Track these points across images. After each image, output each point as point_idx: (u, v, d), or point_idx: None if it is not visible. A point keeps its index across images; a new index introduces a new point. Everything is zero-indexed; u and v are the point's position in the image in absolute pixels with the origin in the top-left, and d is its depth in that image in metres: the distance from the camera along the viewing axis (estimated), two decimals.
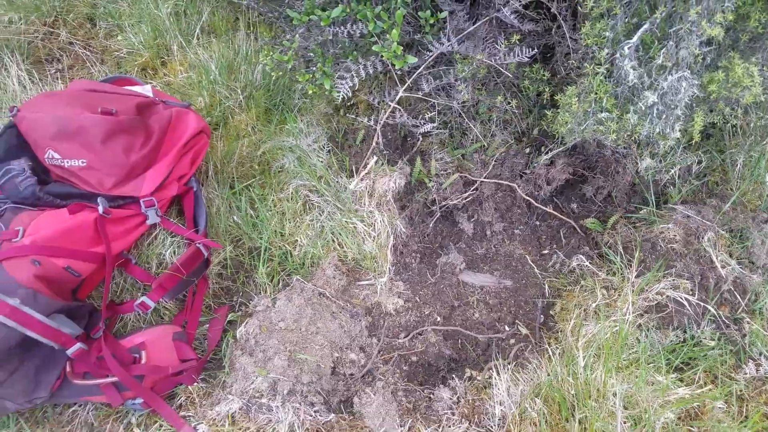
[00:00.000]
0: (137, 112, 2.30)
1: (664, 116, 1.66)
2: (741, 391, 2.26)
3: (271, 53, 2.49)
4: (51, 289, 1.96)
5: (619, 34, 1.68)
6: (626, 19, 1.67)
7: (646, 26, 1.58)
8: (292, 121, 2.97)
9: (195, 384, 2.18)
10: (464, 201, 3.09)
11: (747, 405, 2.24)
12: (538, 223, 3.26)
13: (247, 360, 2.18)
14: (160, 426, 2.12)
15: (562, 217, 3.10)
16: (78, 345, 2.00)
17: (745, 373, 2.30)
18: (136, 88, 2.56)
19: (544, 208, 3.12)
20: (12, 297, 1.84)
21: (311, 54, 2.58)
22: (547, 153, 3.03)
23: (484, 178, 3.04)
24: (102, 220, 2.15)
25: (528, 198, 3.10)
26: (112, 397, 2.05)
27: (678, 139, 2.54)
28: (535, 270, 2.97)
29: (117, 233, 2.22)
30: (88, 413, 2.16)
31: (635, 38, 1.60)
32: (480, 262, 3.02)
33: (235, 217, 2.63)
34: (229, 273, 2.56)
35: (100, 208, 2.16)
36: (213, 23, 3.47)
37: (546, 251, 3.11)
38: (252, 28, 3.41)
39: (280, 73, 2.70)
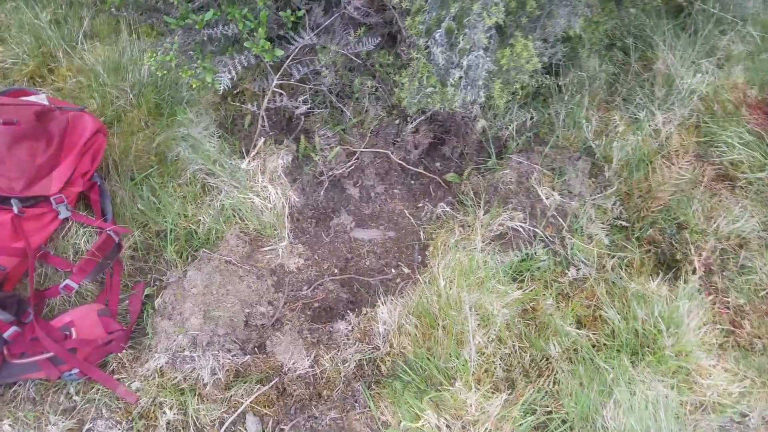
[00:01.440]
0: (36, 119, 2.58)
1: (470, 87, 2.21)
2: (565, 290, 2.94)
3: (155, 55, 2.81)
4: None
5: (432, 26, 2.20)
6: (435, 14, 2.19)
7: (446, 19, 2.10)
8: (181, 113, 3.31)
9: (124, 351, 2.54)
10: (348, 170, 3.58)
11: (570, 300, 2.93)
12: (412, 182, 3.81)
13: (167, 323, 2.57)
14: (97, 390, 2.47)
15: (429, 175, 3.67)
16: (13, 328, 2.31)
17: (569, 277, 2.98)
18: (31, 98, 2.81)
19: (414, 169, 3.67)
20: None
21: (192, 52, 2.94)
22: (412, 122, 3.57)
23: (363, 148, 3.55)
24: (18, 219, 2.44)
25: (401, 162, 3.64)
26: (50, 372, 2.38)
27: (509, 100, 3.16)
28: (412, 221, 3.53)
29: (33, 229, 2.51)
30: (29, 390, 2.47)
31: (441, 28, 2.12)
32: (368, 220, 3.54)
33: (139, 205, 2.96)
34: (140, 255, 2.91)
35: (15, 209, 2.44)
36: (95, 28, 3.69)
37: (420, 204, 3.68)
38: (134, 32, 3.67)
39: (165, 71, 3.02)
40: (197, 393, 2.46)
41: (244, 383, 2.52)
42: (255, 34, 2.72)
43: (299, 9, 2.84)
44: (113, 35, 3.65)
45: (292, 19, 2.80)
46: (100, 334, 2.47)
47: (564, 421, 2.58)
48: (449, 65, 2.16)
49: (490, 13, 2.01)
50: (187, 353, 2.47)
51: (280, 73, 3.04)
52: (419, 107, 2.46)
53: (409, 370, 2.60)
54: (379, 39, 2.78)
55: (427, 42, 2.21)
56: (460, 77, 2.17)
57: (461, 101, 2.25)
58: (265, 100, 3.16)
